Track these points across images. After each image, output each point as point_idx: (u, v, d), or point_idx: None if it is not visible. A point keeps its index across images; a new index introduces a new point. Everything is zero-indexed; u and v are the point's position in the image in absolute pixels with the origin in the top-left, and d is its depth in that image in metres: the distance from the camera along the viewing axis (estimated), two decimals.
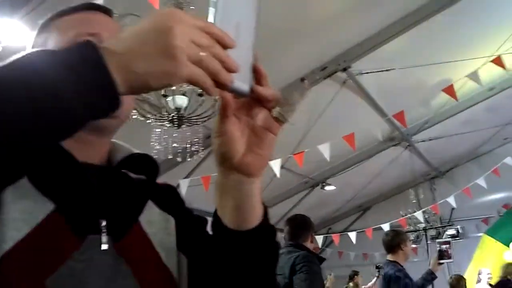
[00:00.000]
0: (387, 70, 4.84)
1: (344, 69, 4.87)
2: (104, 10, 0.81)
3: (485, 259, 6.51)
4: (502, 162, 6.62)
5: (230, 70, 0.55)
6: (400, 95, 5.53)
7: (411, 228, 7.36)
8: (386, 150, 7.10)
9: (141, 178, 0.81)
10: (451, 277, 5.60)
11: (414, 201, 7.65)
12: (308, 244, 3.00)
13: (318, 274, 2.87)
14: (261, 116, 0.65)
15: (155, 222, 0.77)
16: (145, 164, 0.82)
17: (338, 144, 4.93)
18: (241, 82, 0.59)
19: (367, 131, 5.32)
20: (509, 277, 5.43)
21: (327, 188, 7.45)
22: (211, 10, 0.57)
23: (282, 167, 5.05)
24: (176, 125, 3.16)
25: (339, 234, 7.35)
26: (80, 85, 0.48)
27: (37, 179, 0.66)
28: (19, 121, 0.46)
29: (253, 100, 0.64)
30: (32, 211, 0.63)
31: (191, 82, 0.53)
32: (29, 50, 0.52)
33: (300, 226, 3.05)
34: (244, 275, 0.71)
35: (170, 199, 0.84)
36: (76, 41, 0.54)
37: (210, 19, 0.56)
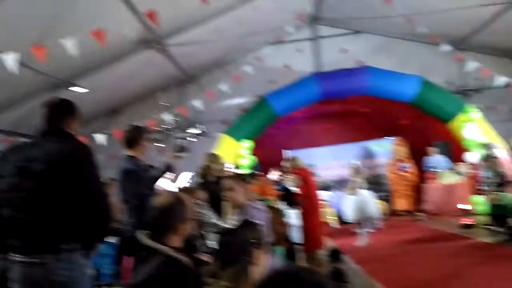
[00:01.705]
0: None
1: None
2: None
3: (224, 153, 7.36)
4: (242, 70, 7.45)
5: None
6: None
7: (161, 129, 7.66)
8: (139, 53, 6.98)
9: None
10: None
11: (165, 104, 7.90)
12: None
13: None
14: None
15: None
16: None
17: (87, 41, 4.52)
18: None
19: (119, 30, 5.07)
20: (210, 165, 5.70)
21: (76, 89, 6.94)
22: None
23: (20, 63, 4.37)
24: None
25: (87, 137, 7.10)
26: None
27: None
28: None
29: None
30: None
31: None
32: None
33: (61, 110, 2.33)
34: None
35: None
36: None
37: None
